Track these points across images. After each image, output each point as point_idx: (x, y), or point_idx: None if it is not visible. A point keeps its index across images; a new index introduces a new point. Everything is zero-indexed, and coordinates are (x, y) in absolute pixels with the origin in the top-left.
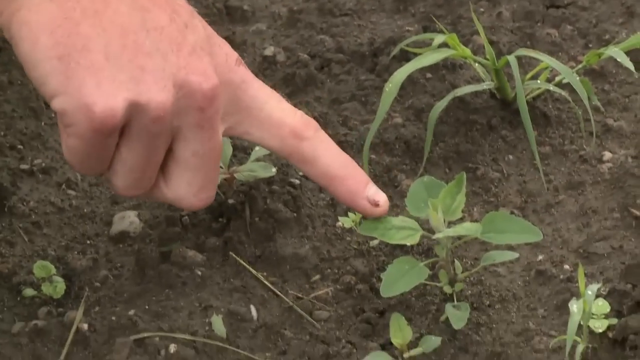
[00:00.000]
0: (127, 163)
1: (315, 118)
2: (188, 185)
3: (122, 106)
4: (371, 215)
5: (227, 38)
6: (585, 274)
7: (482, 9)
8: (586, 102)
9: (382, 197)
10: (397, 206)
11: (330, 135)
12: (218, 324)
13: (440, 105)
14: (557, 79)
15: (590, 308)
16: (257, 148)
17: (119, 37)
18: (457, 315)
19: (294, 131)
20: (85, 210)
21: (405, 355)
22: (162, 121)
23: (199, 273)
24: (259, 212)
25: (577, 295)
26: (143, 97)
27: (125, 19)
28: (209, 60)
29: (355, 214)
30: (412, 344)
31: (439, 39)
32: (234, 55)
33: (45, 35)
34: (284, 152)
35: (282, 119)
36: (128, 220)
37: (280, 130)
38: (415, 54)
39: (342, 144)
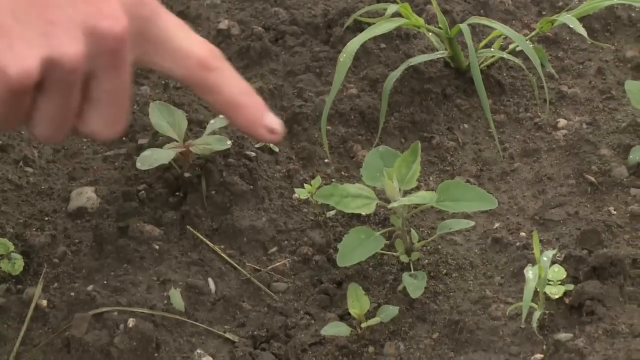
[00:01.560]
0: (47, 114)
1: (270, 90)
2: (103, 120)
3: (36, 65)
4: (269, 142)
5: (181, 12)
6: (541, 241)
7: None
8: (539, 69)
9: (278, 124)
10: (354, 177)
11: (285, 108)
12: (176, 297)
13: (395, 75)
14: (511, 46)
15: (546, 274)
16: (212, 121)
17: None
18: (415, 284)
19: (202, 62)
20: (42, 187)
21: (363, 325)
22: (78, 71)
23: (157, 247)
24: (216, 185)
25: (533, 262)
26: (56, 51)
27: None
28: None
29: (311, 185)
30: (370, 314)
31: (392, 8)
32: None
33: None
34: (190, 82)
35: (190, 50)
36: (85, 196)
37: (188, 60)
38: (369, 25)
39: (298, 116)
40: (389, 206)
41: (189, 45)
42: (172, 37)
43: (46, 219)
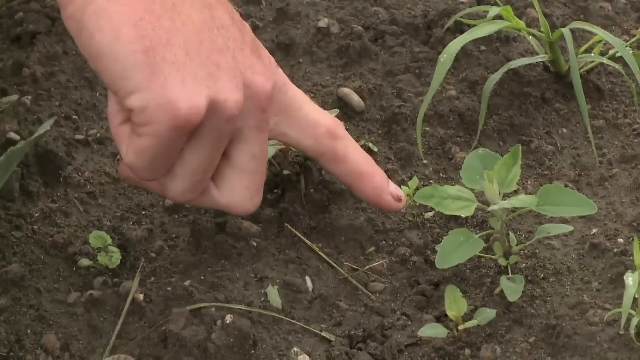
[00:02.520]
0: (190, 165)
1: (369, 90)
2: (245, 189)
3: (204, 104)
4: (394, 210)
5: (281, 9)
6: None
7: None
8: (639, 76)
9: (402, 192)
10: (452, 179)
11: (384, 107)
12: (274, 295)
13: (495, 78)
14: (611, 52)
15: None
16: None
17: (196, 33)
18: (512, 288)
19: (329, 131)
20: None
21: (460, 327)
22: (234, 121)
23: (255, 244)
24: (314, 183)
25: (631, 268)
26: (221, 95)
27: (199, 15)
28: (262, 61)
29: (409, 187)
30: (467, 317)
31: (493, 11)
32: (272, 57)
33: (129, 27)
34: (318, 152)
35: (317, 120)
36: None
37: (316, 130)
38: (470, 27)
39: (397, 116)
40: (489, 209)
41: (316, 116)
42: (301, 106)
43: (144, 213)
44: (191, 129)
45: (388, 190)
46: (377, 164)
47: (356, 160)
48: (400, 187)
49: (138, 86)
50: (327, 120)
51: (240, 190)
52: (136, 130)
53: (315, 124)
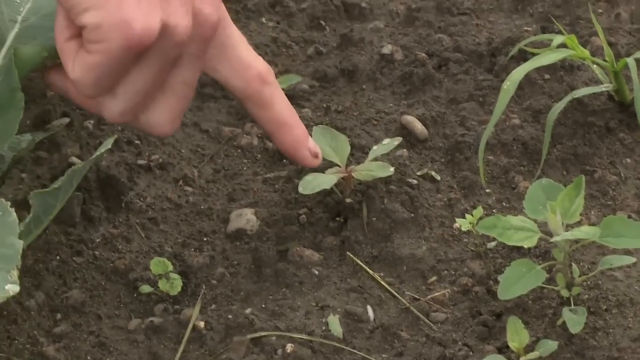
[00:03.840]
0: (134, 86)
1: (432, 118)
2: (169, 112)
3: (158, 26)
4: (309, 166)
5: (344, 35)
6: None
7: (600, 10)
8: None
9: (319, 150)
10: (514, 208)
11: (447, 135)
12: (335, 324)
13: (558, 106)
14: None
15: None
16: (374, 147)
17: None
18: (574, 320)
19: (260, 75)
20: (202, 206)
21: (522, 359)
22: (182, 46)
23: (316, 272)
24: (377, 211)
25: None
26: (172, 19)
27: None
28: None
29: (472, 216)
30: (529, 348)
31: (557, 39)
32: None
33: None
34: (245, 94)
35: (250, 62)
36: (245, 217)
37: (248, 71)
38: (534, 55)
39: (460, 144)
40: (552, 240)
41: (249, 58)
42: (236, 45)
43: (205, 239)
44: (142, 49)
45: (307, 145)
46: (440, 193)
47: (281, 109)
48: (464, 217)
49: (94, 3)
50: (259, 63)
51: (164, 112)
52: (87, 47)
53: (247, 65)
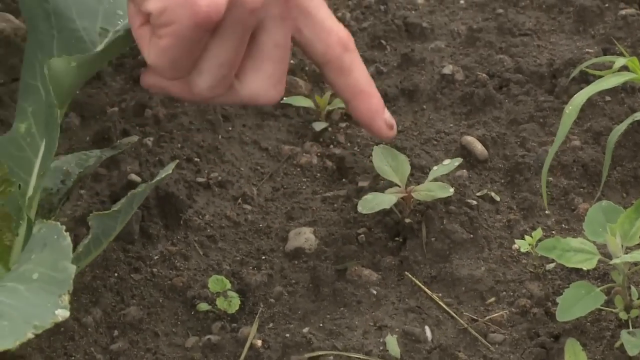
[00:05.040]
0: (217, 59)
1: (492, 138)
2: (268, 78)
3: (224, 1)
4: (384, 137)
5: (405, 55)
6: None
7: None
8: None
9: (394, 122)
10: (574, 230)
11: (507, 156)
12: (392, 344)
13: (619, 128)
14: None
15: None
16: (434, 167)
17: None
18: (633, 342)
19: (341, 40)
20: (260, 225)
21: None
22: (258, 12)
23: (374, 292)
24: (436, 232)
25: None
26: None
27: None
28: None
29: (532, 237)
30: None
31: (619, 62)
32: None
33: None
34: (325, 58)
35: (332, 26)
36: (304, 236)
37: (330, 36)
38: (595, 77)
39: (520, 165)
40: (611, 262)
41: (331, 22)
42: (318, 9)
43: (263, 257)
44: (212, 25)
45: (383, 115)
46: (499, 214)
47: (359, 77)
48: (523, 238)
49: None
50: (340, 29)
51: (263, 79)
52: (156, 32)
53: (329, 29)
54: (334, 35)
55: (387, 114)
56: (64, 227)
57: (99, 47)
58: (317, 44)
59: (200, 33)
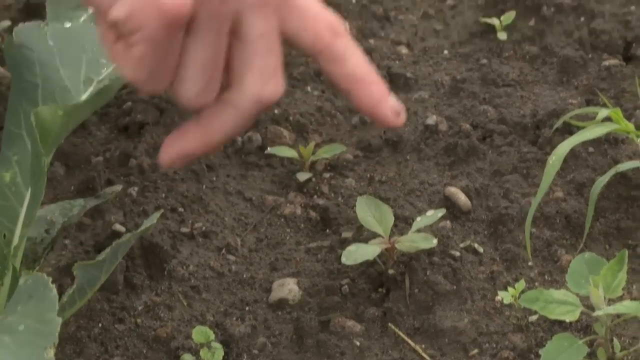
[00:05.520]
0: (197, 61)
1: (476, 189)
2: (260, 73)
3: None
4: (392, 125)
5: None
6: None
7: None
8: None
9: (402, 108)
10: (557, 281)
11: (491, 207)
12: None
13: (602, 180)
14: None
15: None
16: (418, 218)
17: None
18: None
19: (330, 25)
20: (244, 275)
21: None
22: (229, 2)
23: (358, 343)
24: (419, 283)
25: None
26: None
27: None
28: None
29: (515, 289)
30: None
31: (602, 113)
32: None
33: None
34: (316, 48)
35: (318, 12)
36: (287, 287)
37: (317, 22)
38: (578, 128)
39: (503, 217)
40: (594, 314)
41: (317, 8)
42: None
43: (247, 308)
44: (182, 22)
45: (387, 102)
46: (482, 265)
47: (356, 63)
48: (506, 289)
49: None
50: (327, 14)
51: (256, 75)
52: (128, 42)
53: (315, 15)
54: (321, 22)
55: (392, 101)
56: (50, 279)
57: (84, 96)
58: (304, 34)
59: (172, 33)
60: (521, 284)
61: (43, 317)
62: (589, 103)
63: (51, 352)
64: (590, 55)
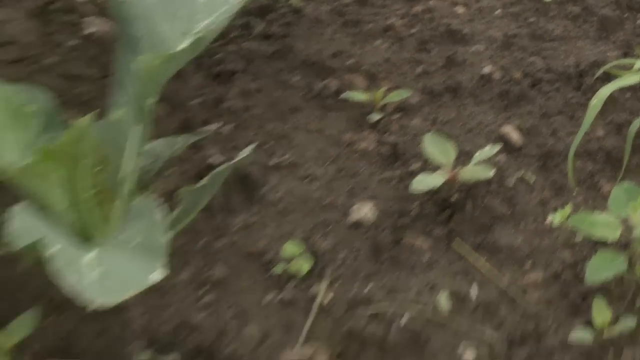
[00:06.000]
0: None
1: (527, 129)
2: None
3: None
4: None
5: (449, 57)
6: None
7: None
8: None
9: None
10: (599, 207)
11: (540, 144)
12: (442, 301)
13: (638, 121)
14: None
15: None
16: (477, 153)
17: None
18: None
19: None
20: (326, 201)
21: (605, 334)
22: None
23: (426, 258)
24: (479, 207)
25: None
26: None
27: None
28: None
29: (563, 213)
30: (611, 324)
31: (638, 64)
32: None
33: None
34: None
35: None
36: (364, 210)
37: None
38: (617, 76)
39: (551, 152)
40: (633, 235)
41: None
42: None
43: (329, 228)
44: None
45: None
46: (534, 193)
47: None
48: (555, 213)
49: None
50: None
51: None
52: None
53: None
54: None
55: None
56: (157, 201)
57: (181, 46)
58: None
59: None
60: (568, 209)
61: (152, 237)
62: (625, 55)
63: (160, 264)
64: (626, 15)
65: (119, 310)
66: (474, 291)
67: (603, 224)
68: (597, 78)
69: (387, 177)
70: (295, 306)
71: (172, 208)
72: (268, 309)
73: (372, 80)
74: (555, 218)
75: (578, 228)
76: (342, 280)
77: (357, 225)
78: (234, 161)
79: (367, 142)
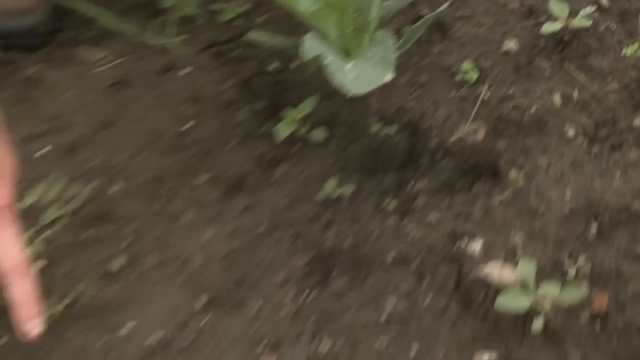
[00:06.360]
0: None
1: None
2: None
3: None
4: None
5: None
6: None
7: None
8: None
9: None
10: None
11: (620, 7)
12: (556, 99)
13: None
14: None
15: None
16: (581, 11)
17: None
18: None
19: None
20: (486, 37)
21: None
22: None
23: (547, 73)
24: (580, 44)
25: None
26: None
27: None
28: None
29: (635, 47)
30: None
31: None
32: None
33: None
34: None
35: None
36: (510, 44)
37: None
38: None
39: (628, 10)
40: None
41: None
42: None
43: (487, 55)
44: None
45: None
46: (614, 36)
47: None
48: (628, 47)
49: None
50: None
51: None
52: None
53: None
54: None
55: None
56: (390, 35)
57: None
58: None
59: None
60: (636, 45)
61: (386, 54)
62: None
63: (391, 71)
64: None
65: (364, 98)
66: (575, 94)
67: None
68: None
69: (525, 25)
70: (467, 100)
71: (398, 39)
72: (451, 101)
73: None
74: (627, 51)
75: None
76: (496, 85)
77: (506, 53)
78: (435, 12)
79: (514, 3)
